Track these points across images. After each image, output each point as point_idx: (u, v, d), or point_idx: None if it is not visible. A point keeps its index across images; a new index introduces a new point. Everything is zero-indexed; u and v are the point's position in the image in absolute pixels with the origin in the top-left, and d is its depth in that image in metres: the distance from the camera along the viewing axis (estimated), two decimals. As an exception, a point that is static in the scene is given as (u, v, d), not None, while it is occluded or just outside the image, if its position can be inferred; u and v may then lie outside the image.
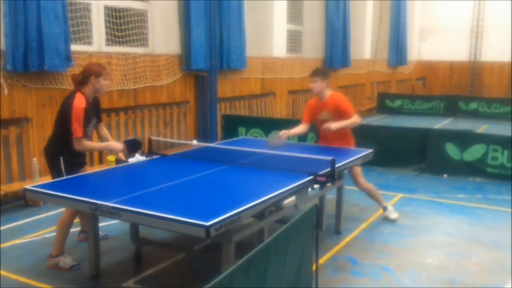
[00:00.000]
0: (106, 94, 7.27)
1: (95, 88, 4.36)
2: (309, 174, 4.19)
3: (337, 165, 4.56)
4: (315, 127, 6.05)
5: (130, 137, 5.30)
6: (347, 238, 5.16)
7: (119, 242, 4.92)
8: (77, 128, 4.21)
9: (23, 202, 6.11)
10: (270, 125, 9.20)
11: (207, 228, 2.94)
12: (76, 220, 4.84)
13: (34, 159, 6.25)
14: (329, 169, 4.22)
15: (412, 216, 5.94)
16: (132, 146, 4.58)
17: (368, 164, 8.07)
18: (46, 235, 5.13)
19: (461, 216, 5.95)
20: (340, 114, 5.42)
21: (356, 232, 5.35)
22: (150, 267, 4.36)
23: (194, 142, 5.34)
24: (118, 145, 4.57)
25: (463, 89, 20.75)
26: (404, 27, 18.92)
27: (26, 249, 4.80)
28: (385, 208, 5.82)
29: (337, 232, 5.28)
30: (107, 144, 4.68)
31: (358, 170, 5.66)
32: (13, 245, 4.91)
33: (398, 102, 16.73)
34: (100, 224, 5.12)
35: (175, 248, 4.58)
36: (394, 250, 4.88)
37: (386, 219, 5.75)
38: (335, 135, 5.54)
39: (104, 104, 7.29)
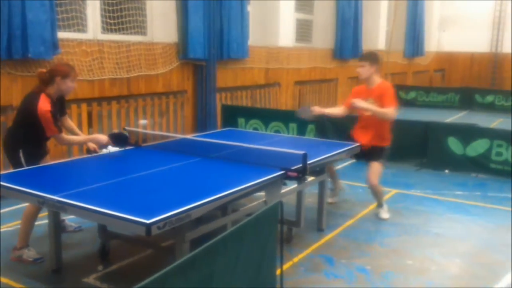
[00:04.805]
0: (97, 82, 7.18)
1: (61, 89, 4.26)
2: (281, 169, 3.99)
3: (315, 159, 4.39)
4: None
5: (116, 130, 5.20)
6: (329, 236, 4.94)
7: (91, 234, 4.79)
8: (50, 128, 4.16)
9: (7, 191, 6.04)
10: (271, 116, 8.99)
11: (148, 226, 2.76)
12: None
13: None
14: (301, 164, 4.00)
15: (403, 213, 5.68)
16: (118, 140, 4.53)
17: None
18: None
19: (455, 215, 5.67)
20: (382, 103, 5.10)
21: (339, 230, 5.12)
22: (116, 262, 4.22)
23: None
24: (102, 137, 4.50)
25: (484, 81, 20.11)
26: (421, 17, 18.39)
27: (-3, 240, 4.73)
28: (380, 205, 5.56)
29: (319, 229, 5.06)
30: (92, 137, 4.59)
31: (377, 168, 5.32)
32: (-14, 235, 4.84)
33: (412, 94, 16.31)
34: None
35: (143, 243, 4.42)
36: (376, 250, 4.65)
37: (376, 216, 5.52)
38: (375, 129, 5.26)
39: (95, 93, 7.21)
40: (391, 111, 5.06)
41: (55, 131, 4.21)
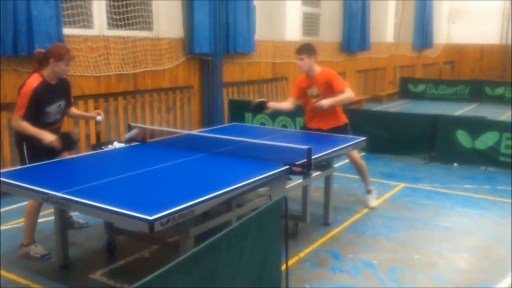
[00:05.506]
0: (104, 78, 7.19)
1: (54, 71, 4.18)
2: (285, 164, 3.97)
3: (320, 154, 4.36)
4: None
5: (70, 132, 4.97)
6: (335, 230, 4.91)
7: (98, 231, 4.80)
8: (20, 105, 4.05)
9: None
10: (277, 111, 8.93)
11: (151, 223, 2.75)
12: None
13: (27, 144, 6.19)
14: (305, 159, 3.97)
15: (411, 207, 5.63)
16: (65, 142, 4.25)
17: (375, 151, 7.85)
18: (28, 222, 5.06)
19: (463, 208, 5.61)
20: (332, 90, 5.14)
21: (346, 224, 5.09)
22: (122, 258, 4.23)
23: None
24: (49, 136, 4.09)
25: (494, 73, 19.90)
26: (430, 9, 18.22)
27: (5, 236, 4.75)
28: (368, 192, 5.62)
29: (326, 224, 5.04)
30: (39, 132, 4.08)
31: None
32: (-5, 232, 4.87)
33: (421, 87, 16.17)
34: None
35: (149, 239, 4.42)
36: (382, 245, 4.61)
37: (383, 211, 5.48)
38: (324, 113, 5.29)
39: (102, 89, 7.22)
40: (349, 92, 5.12)
41: (21, 110, 4.00)
